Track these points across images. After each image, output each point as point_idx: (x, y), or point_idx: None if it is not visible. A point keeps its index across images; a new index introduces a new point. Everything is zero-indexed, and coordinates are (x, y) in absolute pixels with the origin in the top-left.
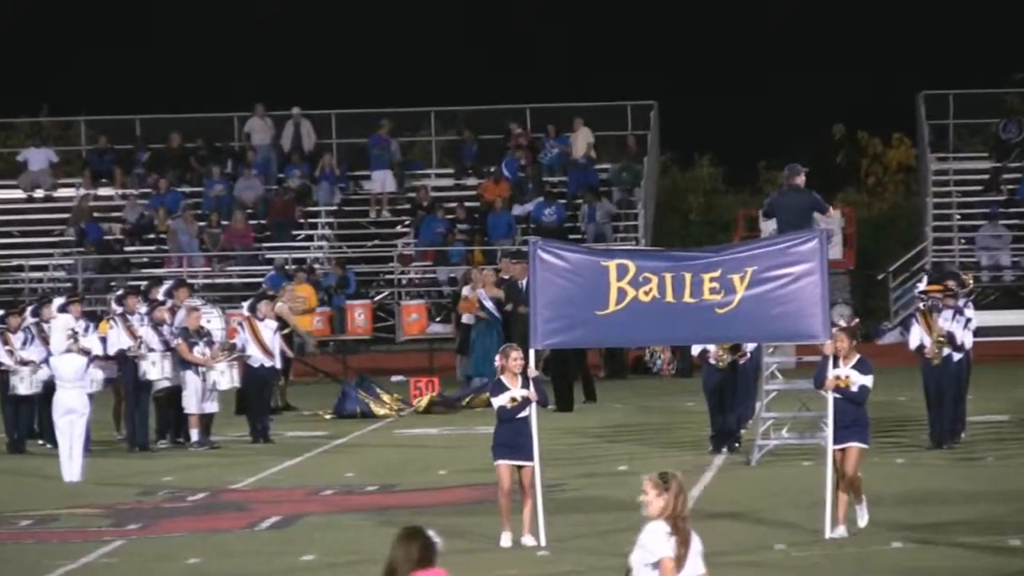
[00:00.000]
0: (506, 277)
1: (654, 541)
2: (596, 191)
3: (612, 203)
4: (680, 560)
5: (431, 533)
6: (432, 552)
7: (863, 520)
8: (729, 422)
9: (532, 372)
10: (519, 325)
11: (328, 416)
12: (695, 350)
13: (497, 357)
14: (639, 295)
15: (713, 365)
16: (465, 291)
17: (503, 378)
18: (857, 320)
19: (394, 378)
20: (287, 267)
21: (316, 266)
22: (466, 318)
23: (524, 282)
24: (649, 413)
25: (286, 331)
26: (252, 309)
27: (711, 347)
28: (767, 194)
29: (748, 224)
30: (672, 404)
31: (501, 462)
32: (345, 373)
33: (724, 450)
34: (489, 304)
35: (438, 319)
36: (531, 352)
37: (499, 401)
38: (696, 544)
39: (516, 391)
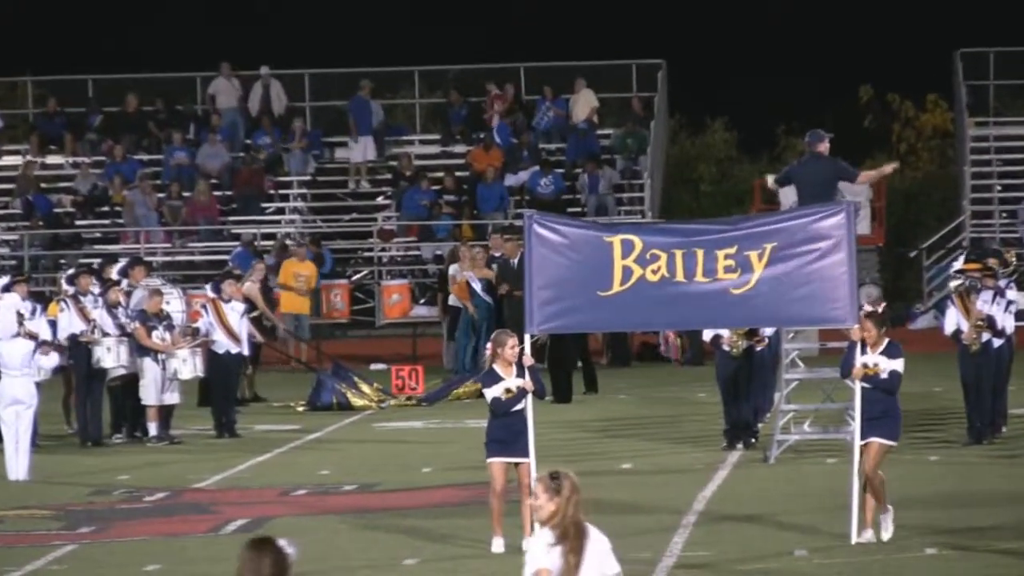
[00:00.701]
0: (497, 255)
1: (531, 553)
2: (598, 159)
3: (615, 172)
4: (571, 570)
5: (283, 543)
6: (285, 565)
7: (887, 531)
8: (745, 415)
9: (527, 360)
10: (513, 310)
11: (301, 408)
12: (707, 335)
13: (488, 344)
14: (646, 274)
15: (727, 352)
16: (452, 270)
17: (496, 367)
18: (886, 303)
19: (374, 366)
20: (255, 243)
21: (288, 242)
22: (454, 299)
23: (517, 261)
24: (656, 405)
25: (254, 314)
26: (217, 290)
27: (725, 332)
28: (787, 163)
29: (766, 196)
30: (682, 395)
31: (494, 459)
32: (320, 360)
33: (739, 446)
34: (478, 286)
35: (422, 301)
36: (526, 338)
37: (492, 393)
38: (600, 544)
39: (511, 381)
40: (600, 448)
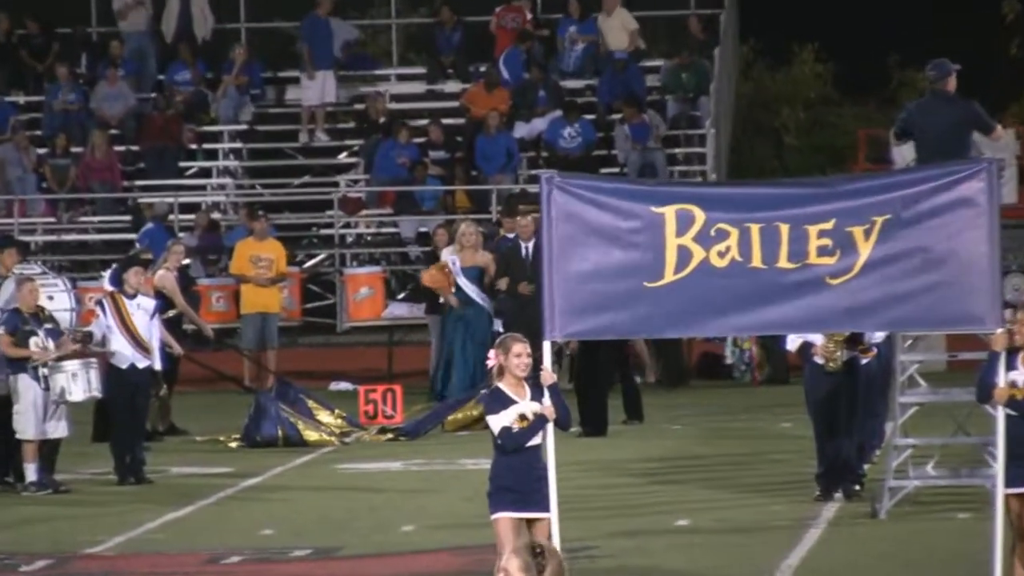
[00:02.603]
0: (510, 236)
1: None
2: (641, 102)
3: (665, 120)
4: None
5: None
6: None
7: None
8: (845, 452)
9: (547, 377)
10: (522, 310)
11: (235, 443)
12: (792, 343)
13: (492, 354)
14: (710, 257)
15: (820, 366)
16: (445, 255)
17: (503, 386)
18: None
19: (335, 386)
20: (171, 217)
21: (216, 216)
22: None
23: (530, 244)
24: (723, 439)
25: (170, 313)
26: (117, 281)
27: (817, 338)
28: (902, 105)
29: (873, 150)
30: (758, 424)
31: (501, 515)
32: (261, 378)
33: (838, 495)
34: (464, 282)
35: (401, 296)
36: (546, 346)
37: (500, 421)
38: None
39: (524, 406)
40: (646, 498)
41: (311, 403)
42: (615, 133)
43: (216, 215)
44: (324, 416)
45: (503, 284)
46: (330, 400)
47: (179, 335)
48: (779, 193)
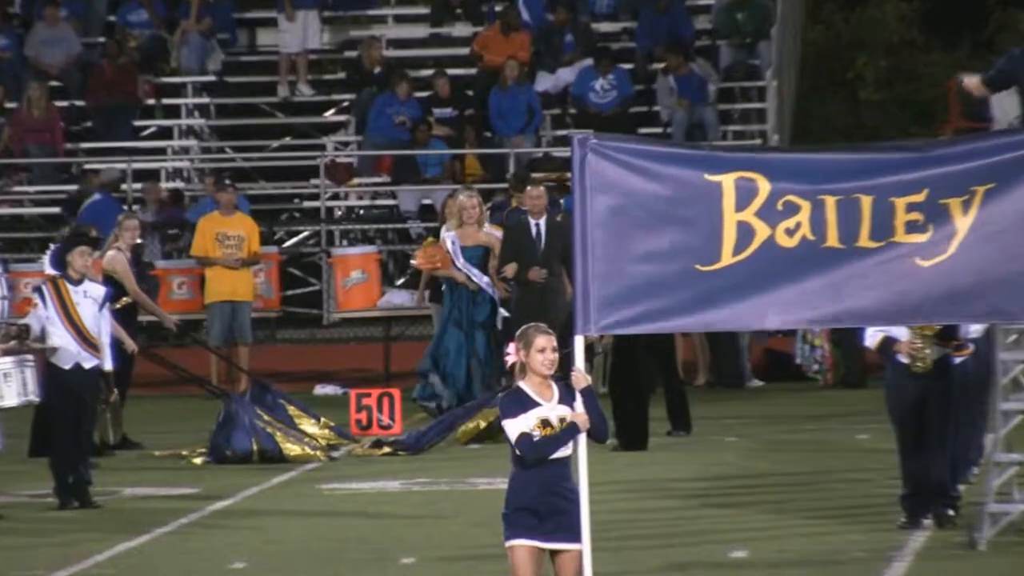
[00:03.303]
0: (524, 208)
1: None
2: (686, 49)
3: (717, 70)
4: None
5: None
6: None
7: None
8: (936, 470)
9: (581, 378)
10: (540, 300)
11: (199, 459)
12: (871, 338)
13: (511, 348)
14: (776, 235)
15: (906, 366)
16: (443, 233)
17: (525, 386)
18: None
19: (321, 389)
20: (123, 186)
21: (178, 184)
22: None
23: (542, 221)
24: (788, 453)
25: (122, 303)
26: (59, 263)
27: (902, 332)
28: (1003, 51)
29: (969, 107)
30: (830, 436)
31: (518, 542)
32: (232, 380)
33: (928, 521)
34: (464, 265)
35: (400, 282)
36: (578, 341)
37: (518, 426)
38: None
39: (550, 409)
40: (695, 525)
41: (292, 410)
42: (656, 86)
43: (178, 184)
44: (308, 426)
45: (510, 271)
46: (315, 407)
47: (133, 328)
48: (859, 159)
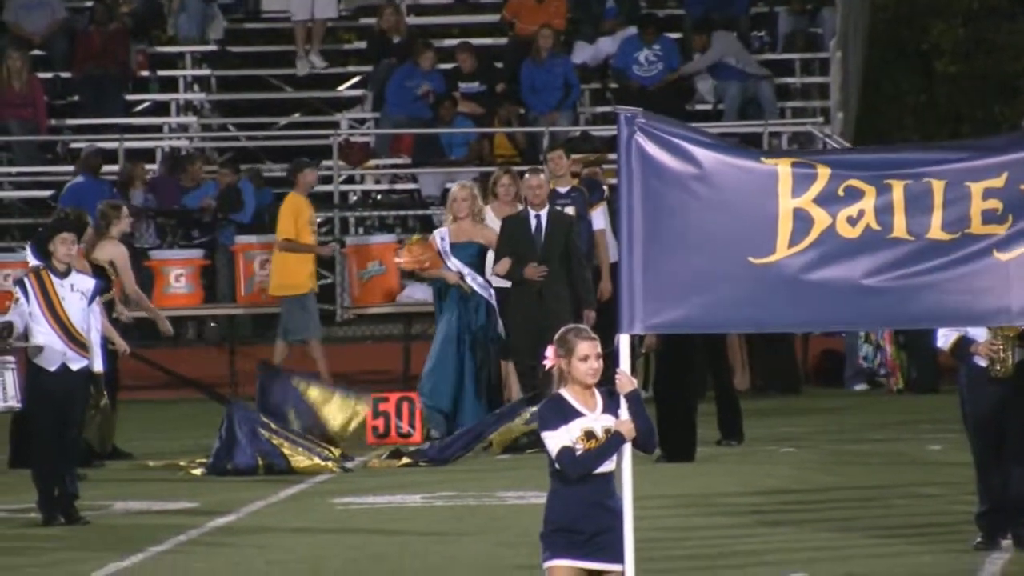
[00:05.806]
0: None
1: None
2: (738, 17)
3: (775, 39)
4: None
5: None
6: None
7: None
8: (1016, 485)
9: (627, 383)
10: (538, 303)
11: (198, 470)
12: (943, 339)
13: (550, 351)
14: (837, 224)
15: (984, 370)
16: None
17: (566, 394)
18: None
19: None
20: (115, 167)
21: (181, 143)
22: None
23: (543, 213)
24: (852, 466)
25: (109, 296)
26: (42, 253)
27: (980, 333)
28: None
29: None
30: (899, 447)
31: (558, 562)
32: (234, 384)
33: (1007, 541)
34: (456, 264)
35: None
36: (623, 341)
37: (559, 439)
38: None
39: (593, 420)
40: (748, 544)
41: (313, 393)
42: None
43: (182, 143)
44: (334, 411)
45: (502, 268)
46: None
47: (121, 325)
48: (930, 144)
